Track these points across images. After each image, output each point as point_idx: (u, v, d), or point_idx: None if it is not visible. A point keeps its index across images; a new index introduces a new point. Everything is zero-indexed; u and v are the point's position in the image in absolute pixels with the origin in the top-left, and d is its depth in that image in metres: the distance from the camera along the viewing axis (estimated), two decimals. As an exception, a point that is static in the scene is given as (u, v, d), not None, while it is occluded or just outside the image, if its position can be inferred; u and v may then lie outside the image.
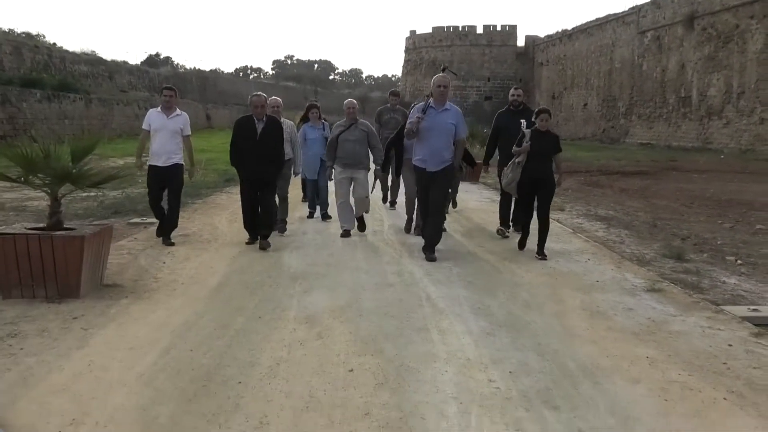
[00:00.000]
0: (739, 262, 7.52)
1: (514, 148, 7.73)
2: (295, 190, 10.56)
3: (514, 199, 8.60)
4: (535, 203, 7.81)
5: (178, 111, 8.22)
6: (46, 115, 32.76)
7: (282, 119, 8.92)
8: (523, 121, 8.36)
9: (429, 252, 7.29)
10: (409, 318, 5.09)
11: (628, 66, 44.38)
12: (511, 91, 9.32)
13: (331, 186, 9.30)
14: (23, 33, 51.75)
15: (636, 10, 43.38)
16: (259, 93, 8.06)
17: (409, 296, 5.76)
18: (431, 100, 7.36)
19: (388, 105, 11.34)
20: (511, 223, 9.05)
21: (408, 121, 7.57)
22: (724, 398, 3.66)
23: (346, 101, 9.10)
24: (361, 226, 9.10)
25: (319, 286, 6.07)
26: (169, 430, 3.22)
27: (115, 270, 6.45)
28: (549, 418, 3.38)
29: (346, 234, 8.72)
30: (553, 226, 9.96)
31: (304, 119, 10.71)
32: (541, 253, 7.48)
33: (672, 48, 39.32)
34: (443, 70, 7.77)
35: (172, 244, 7.85)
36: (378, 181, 9.84)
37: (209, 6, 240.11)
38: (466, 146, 8.48)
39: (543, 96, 57.01)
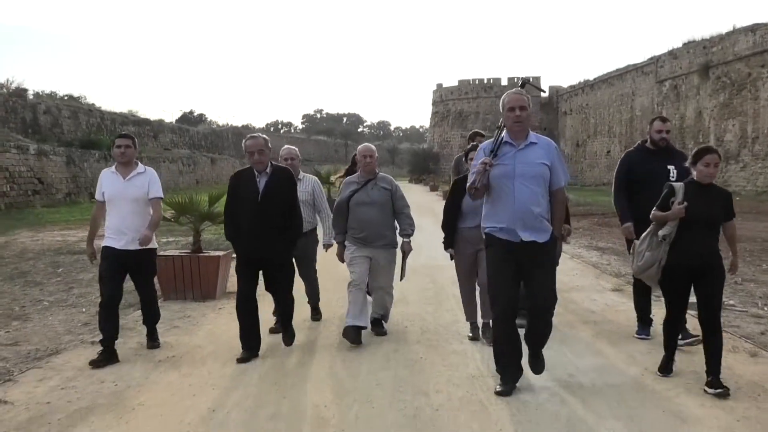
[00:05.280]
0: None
1: (654, 212, 4.96)
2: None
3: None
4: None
5: (140, 167, 5.93)
6: (104, 173, 36.15)
7: (302, 174, 6.96)
8: (671, 168, 5.87)
9: (536, 362, 4.91)
10: (441, 307, 7.53)
11: (648, 114, 46.54)
12: (656, 123, 6.09)
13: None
14: (66, 95, 55.54)
15: (654, 60, 45.82)
16: (255, 135, 5.81)
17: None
18: (504, 132, 4.81)
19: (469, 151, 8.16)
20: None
21: (471, 171, 4.92)
22: (633, 335, 6.15)
23: (360, 147, 6.57)
24: (379, 329, 6.43)
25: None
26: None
27: (231, 282, 8.98)
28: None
29: (353, 334, 6.00)
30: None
31: (348, 173, 7.52)
32: (715, 384, 4.70)
33: (689, 96, 41.58)
34: (522, 86, 5.36)
35: (157, 346, 6.06)
36: (406, 263, 6.68)
37: (239, 62, 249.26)
38: (567, 201, 5.52)
39: (568, 144, 59.43)
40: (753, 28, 35.51)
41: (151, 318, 6.14)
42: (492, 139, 4.84)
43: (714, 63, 38.86)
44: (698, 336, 5.34)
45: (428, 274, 9.91)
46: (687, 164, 5.04)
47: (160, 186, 5.96)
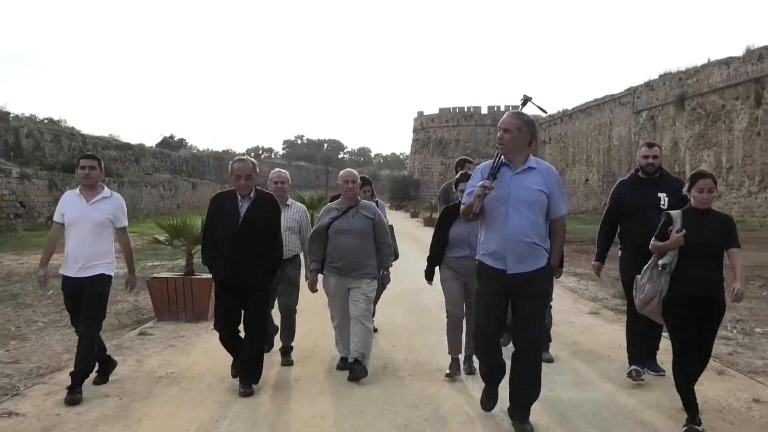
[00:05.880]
0: (669, 300, 10.25)
1: (653, 243, 4.84)
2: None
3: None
4: None
5: (106, 191, 5.53)
6: (86, 197, 36.21)
7: (290, 200, 6.70)
8: (662, 195, 5.73)
9: (520, 418, 4.52)
10: (426, 328, 7.84)
11: (625, 143, 47.56)
12: (642, 149, 5.94)
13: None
14: (46, 118, 55.34)
15: (631, 91, 46.84)
16: (243, 158, 5.61)
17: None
18: (503, 155, 4.55)
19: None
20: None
21: (466, 192, 4.67)
22: (608, 354, 6.48)
23: (342, 172, 6.28)
24: (360, 371, 5.74)
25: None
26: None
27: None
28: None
29: (345, 365, 5.99)
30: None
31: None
32: (694, 421, 4.55)
33: (665, 126, 42.55)
34: (524, 104, 5.07)
35: (77, 401, 5.12)
36: (380, 294, 6.55)
37: (219, 87, 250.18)
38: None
39: (547, 172, 60.26)
40: (727, 62, 36.55)
41: (83, 361, 5.24)
42: (490, 161, 4.59)
43: (689, 95, 39.86)
44: (664, 372, 5.60)
45: (414, 298, 10.23)
46: (684, 190, 4.88)
47: (125, 213, 5.60)
